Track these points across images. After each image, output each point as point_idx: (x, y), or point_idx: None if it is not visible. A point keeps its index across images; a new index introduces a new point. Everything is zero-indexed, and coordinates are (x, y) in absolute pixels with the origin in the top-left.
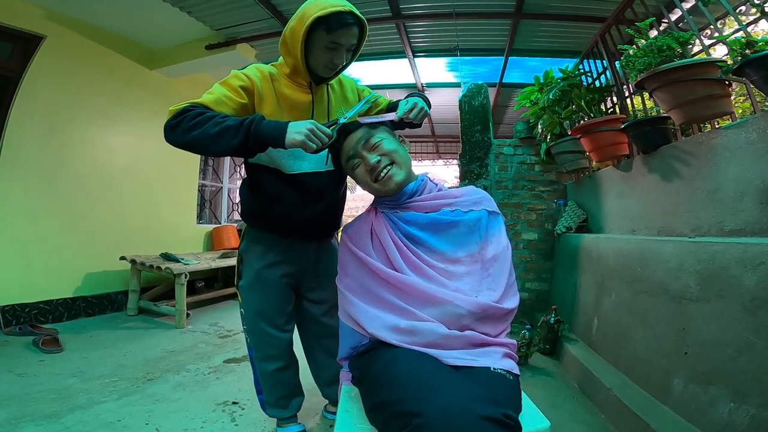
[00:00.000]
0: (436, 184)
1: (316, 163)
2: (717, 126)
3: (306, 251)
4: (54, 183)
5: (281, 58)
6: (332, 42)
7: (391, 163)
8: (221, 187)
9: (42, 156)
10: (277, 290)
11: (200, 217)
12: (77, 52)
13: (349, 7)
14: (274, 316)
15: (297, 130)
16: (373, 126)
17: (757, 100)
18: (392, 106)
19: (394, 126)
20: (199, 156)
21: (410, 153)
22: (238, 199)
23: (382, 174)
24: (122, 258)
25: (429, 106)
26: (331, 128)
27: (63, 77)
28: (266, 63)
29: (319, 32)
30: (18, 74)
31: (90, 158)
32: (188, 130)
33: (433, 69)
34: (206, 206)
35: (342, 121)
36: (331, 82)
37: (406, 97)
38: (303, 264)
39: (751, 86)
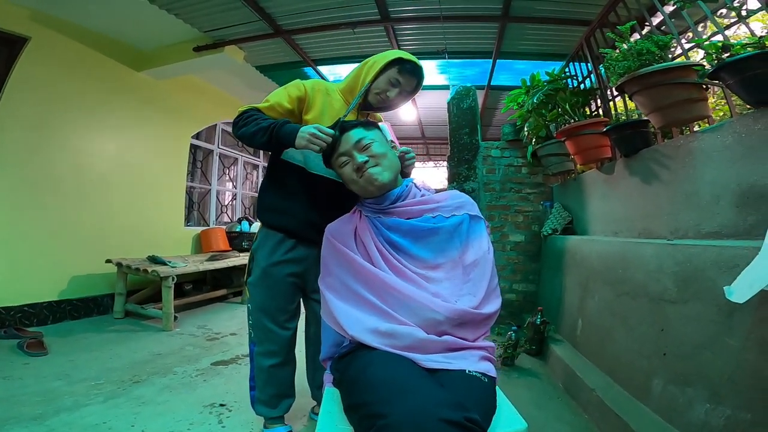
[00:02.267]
0: (420, 190)
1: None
2: (695, 130)
3: (310, 254)
4: (39, 185)
5: (344, 78)
6: (397, 80)
7: (377, 166)
8: (210, 189)
9: (27, 158)
10: (281, 288)
11: (188, 220)
12: (63, 53)
13: (421, 64)
14: (276, 313)
15: (302, 135)
16: (368, 128)
17: (736, 104)
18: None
19: None
20: (186, 158)
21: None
22: (226, 201)
23: (367, 173)
24: (108, 261)
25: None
26: (335, 128)
27: (48, 79)
28: (333, 81)
29: (392, 68)
30: (2, 77)
31: (76, 160)
32: (240, 126)
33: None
34: (194, 208)
35: (342, 119)
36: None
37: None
38: (308, 265)
39: (728, 90)
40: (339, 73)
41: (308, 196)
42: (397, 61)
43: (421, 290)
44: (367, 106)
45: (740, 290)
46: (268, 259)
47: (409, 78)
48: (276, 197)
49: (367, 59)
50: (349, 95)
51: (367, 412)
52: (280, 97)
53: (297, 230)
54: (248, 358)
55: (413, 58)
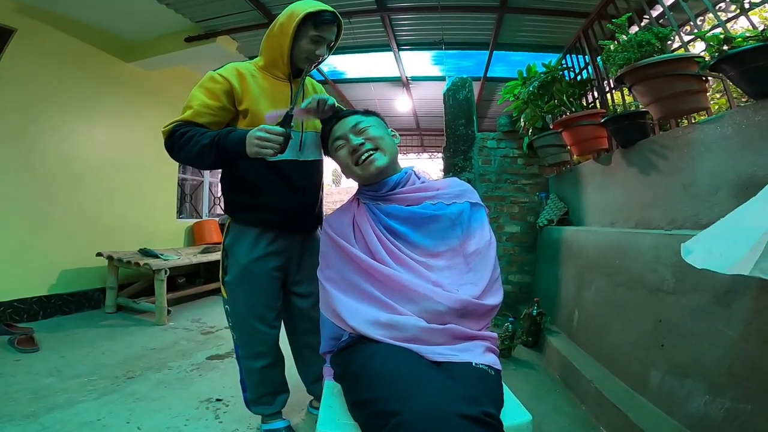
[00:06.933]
0: (419, 178)
1: (294, 152)
2: (693, 121)
3: (292, 244)
4: (26, 178)
5: (260, 54)
6: (317, 36)
7: (375, 149)
8: (202, 181)
9: (14, 150)
10: (266, 284)
11: (180, 212)
12: (50, 45)
13: (332, 8)
14: (264, 312)
15: (250, 142)
16: (366, 114)
17: (734, 96)
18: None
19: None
20: None
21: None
22: (219, 193)
23: (363, 157)
24: (99, 254)
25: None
26: (283, 124)
27: (35, 71)
28: (244, 61)
29: (306, 27)
30: None
31: (63, 153)
32: (179, 151)
33: (418, 62)
34: (186, 200)
35: (290, 113)
36: (305, 82)
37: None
38: (289, 257)
39: (728, 82)
40: (333, 63)
41: (275, 186)
42: (308, 17)
43: (421, 280)
44: (299, 73)
45: (698, 253)
46: (249, 255)
47: (328, 27)
48: (243, 193)
49: (272, 25)
50: (275, 70)
51: (377, 410)
52: (201, 97)
53: (275, 223)
54: None
55: (321, 5)
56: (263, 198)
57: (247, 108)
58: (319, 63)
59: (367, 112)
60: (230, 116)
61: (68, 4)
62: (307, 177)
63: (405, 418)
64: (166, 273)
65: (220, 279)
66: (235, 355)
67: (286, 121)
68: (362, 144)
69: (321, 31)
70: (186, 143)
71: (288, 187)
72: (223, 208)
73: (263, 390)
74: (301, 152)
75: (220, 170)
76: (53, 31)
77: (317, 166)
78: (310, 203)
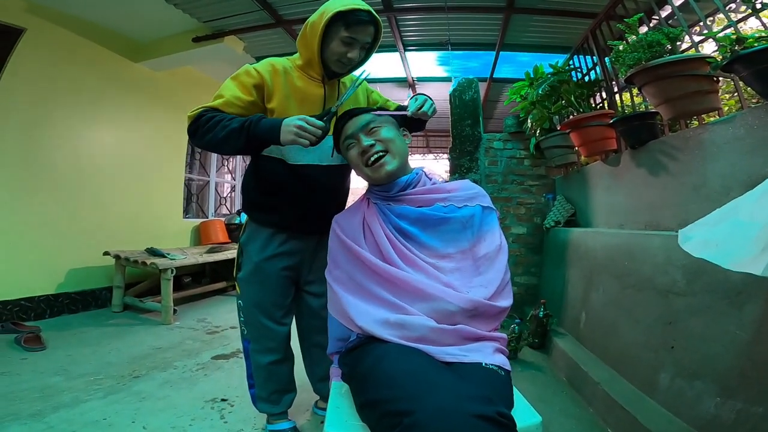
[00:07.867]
0: (430, 179)
1: (320, 156)
2: (704, 122)
3: (305, 245)
4: (35, 177)
5: (297, 53)
6: (349, 37)
7: (385, 151)
8: (208, 181)
9: (23, 150)
10: (276, 283)
11: (187, 212)
12: (59, 44)
13: (367, 6)
14: (272, 309)
15: (287, 129)
16: (379, 114)
17: (744, 97)
18: (401, 107)
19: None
20: (185, 150)
21: None
22: (225, 193)
23: (372, 159)
24: (106, 253)
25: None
26: (324, 119)
27: (44, 71)
28: (282, 56)
29: (337, 27)
30: None
31: (72, 152)
32: (203, 135)
33: (424, 63)
34: (193, 200)
35: (333, 110)
36: (343, 80)
37: (413, 96)
38: (302, 257)
39: (740, 83)
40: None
41: (293, 189)
42: (338, 17)
43: (431, 280)
44: (335, 74)
45: (695, 241)
46: (261, 254)
47: (363, 28)
48: (260, 193)
49: (305, 23)
50: (310, 69)
51: (389, 410)
52: (234, 89)
53: (287, 225)
54: None
55: (355, 2)
56: (280, 201)
57: (274, 107)
58: (355, 67)
59: (380, 111)
60: (258, 112)
61: (77, 3)
62: (332, 181)
63: (418, 417)
64: (172, 272)
65: (234, 275)
66: (243, 352)
67: (328, 117)
68: (372, 145)
69: (353, 32)
70: (213, 127)
71: (308, 192)
72: (242, 205)
73: (271, 387)
74: (333, 158)
75: (225, 171)
76: (62, 30)
77: (346, 170)
78: (330, 207)
